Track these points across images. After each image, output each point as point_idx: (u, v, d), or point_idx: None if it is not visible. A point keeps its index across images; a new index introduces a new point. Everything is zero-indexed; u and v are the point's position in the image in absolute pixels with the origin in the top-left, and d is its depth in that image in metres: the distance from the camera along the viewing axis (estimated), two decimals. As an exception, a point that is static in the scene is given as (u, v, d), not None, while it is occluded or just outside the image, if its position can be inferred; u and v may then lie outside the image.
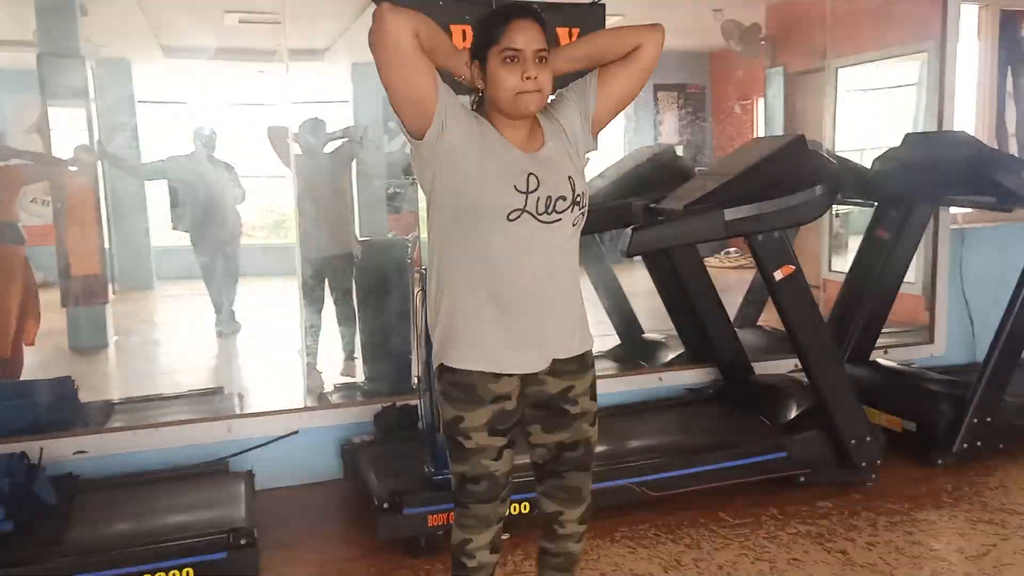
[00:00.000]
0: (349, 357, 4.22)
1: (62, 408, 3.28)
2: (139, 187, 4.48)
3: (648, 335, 4.33)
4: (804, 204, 2.99)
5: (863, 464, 3.24)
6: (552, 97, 1.91)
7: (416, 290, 2.86)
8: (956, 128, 4.24)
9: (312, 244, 3.90)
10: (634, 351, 4.25)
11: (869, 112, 5.02)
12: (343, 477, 3.35)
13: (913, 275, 4.25)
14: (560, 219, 1.82)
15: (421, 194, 1.99)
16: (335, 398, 3.87)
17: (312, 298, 3.99)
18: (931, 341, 4.38)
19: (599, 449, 3.12)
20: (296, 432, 3.38)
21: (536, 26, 1.77)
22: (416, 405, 3.21)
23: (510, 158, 1.81)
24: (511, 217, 1.77)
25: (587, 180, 1.95)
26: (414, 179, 2.23)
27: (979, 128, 4.70)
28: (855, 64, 4.76)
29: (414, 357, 3.29)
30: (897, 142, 3.86)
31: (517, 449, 1.96)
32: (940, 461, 3.45)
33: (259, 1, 3.75)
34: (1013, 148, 4.79)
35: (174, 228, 4.36)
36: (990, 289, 4.19)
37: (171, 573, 2.49)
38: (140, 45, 4.40)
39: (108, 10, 3.81)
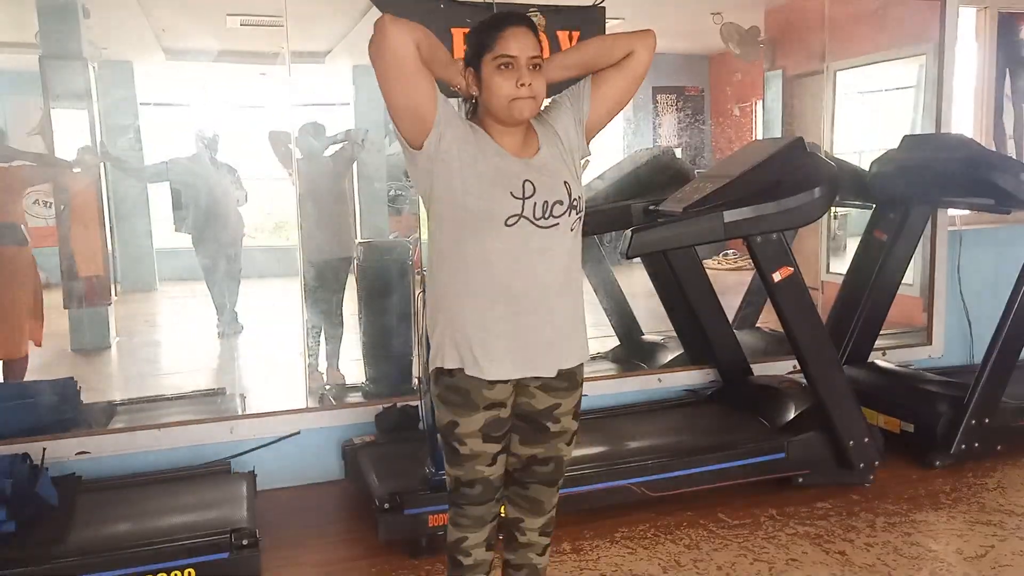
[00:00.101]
0: (334, 366, 4.21)
1: (65, 409, 3.29)
2: (141, 189, 4.49)
3: (647, 336, 4.34)
4: (803, 206, 3.01)
5: (861, 465, 3.25)
6: (546, 103, 1.93)
7: (417, 291, 2.88)
8: (954, 130, 4.25)
9: (313, 246, 3.92)
10: (633, 352, 4.26)
11: (867, 114, 5.03)
12: (344, 478, 3.36)
13: (911, 277, 4.26)
14: (558, 223, 1.84)
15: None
16: (336, 399, 3.88)
17: (313, 299, 4.00)
18: (929, 342, 4.39)
19: (599, 450, 3.14)
20: (298, 433, 3.40)
21: (530, 34, 1.79)
22: (417, 406, 3.23)
23: (506, 165, 1.82)
24: (509, 223, 1.79)
25: (587, 182, 1.97)
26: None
27: (977, 130, 4.72)
28: (853, 67, 4.77)
29: (415, 358, 3.30)
30: (895, 144, 3.88)
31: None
32: (938, 462, 3.46)
33: (261, 4, 3.76)
34: (1011, 150, 4.80)
35: (177, 230, 4.37)
36: (988, 291, 4.21)
37: (173, 574, 2.50)
38: (142, 47, 4.40)
39: (110, 13, 3.82)
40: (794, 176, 3.03)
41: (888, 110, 5.06)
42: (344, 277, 4.24)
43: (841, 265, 4.46)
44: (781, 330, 3.30)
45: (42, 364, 3.74)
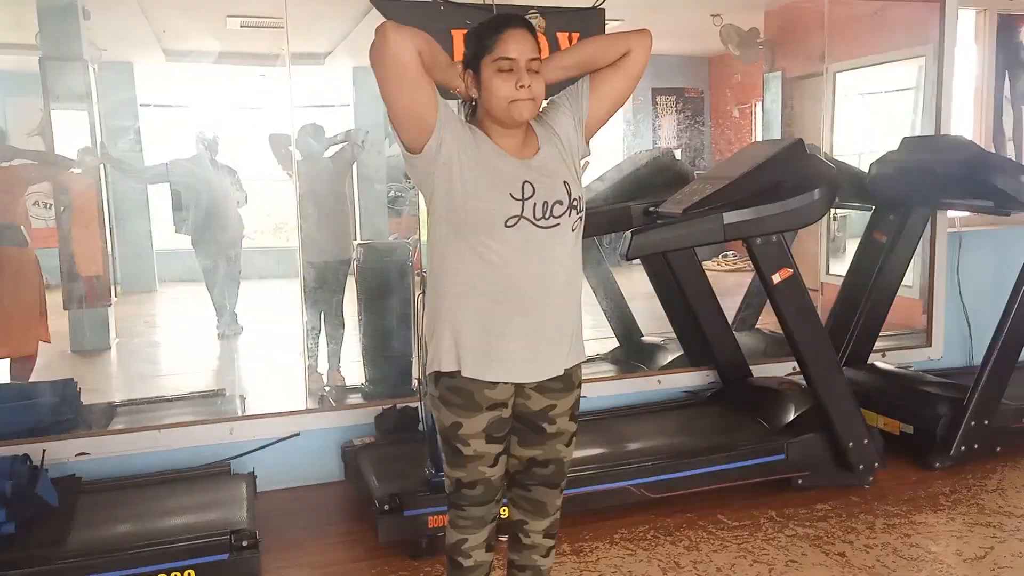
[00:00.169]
0: (335, 367, 4.21)
1: (64, 410, 3.29)
2: (141, 190, 4.49)
3: (647, 338, 4.34)
4: (802, 208, 3.02)
5: (861, 467, 3.25)
6: (544, 104, 1.94)
7: (417, 293, 2.88)
8: (953, 132, 4.26)
9: (313, 248, 3.92)
10: (633, 354, 4.27)
11: (867, 116, 5.03)
12: (344, 479, 3.36)
13: (911, 278, 4.26)
14: (558, 224, 1.84)
15: (421, 198, 2.01)
16: (336, 400, 3.88)
17: (313, 300, 4.01)
18: (928, 344, 4.40)
19: (598, 451, 3.14)
20: (297, 434, 3.40)
21: (529, 36, 1.80)
22: (416, 407, 3.23)
23: (505, 166, 1.83)
24: (509, 224, 1.79)
25: (586, 183, 1.98)
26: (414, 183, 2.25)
27: (976, 132, 4.72)
28: (853, 68, 4.77)
29: (415, 359, 3.30)
30: (895, 146, 3.88)
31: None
32: (938, 464, 3.47)
33: (261, 6, 3.76)
34: (1010, 152, 4.80)
35: (177, 231, 4.37)
36: (987, 292, 4.21)
37: (172, 575, 2.50)
38: (142, 49, 4.40)
39: (111, 14, 3.82)
40: (794, 178, 3.04)
41: (888, 112, 5.07)
42: (343, 278, 4.24)
43: (841, 267, 4.46)
44: (780, 331, 3.30)
45: (42, 365, 3.74)
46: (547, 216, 1.82)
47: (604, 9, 3.52)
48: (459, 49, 2.32)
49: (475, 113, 1.89)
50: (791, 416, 3.38)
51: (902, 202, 3.86)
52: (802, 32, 4.75)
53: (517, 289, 1.83)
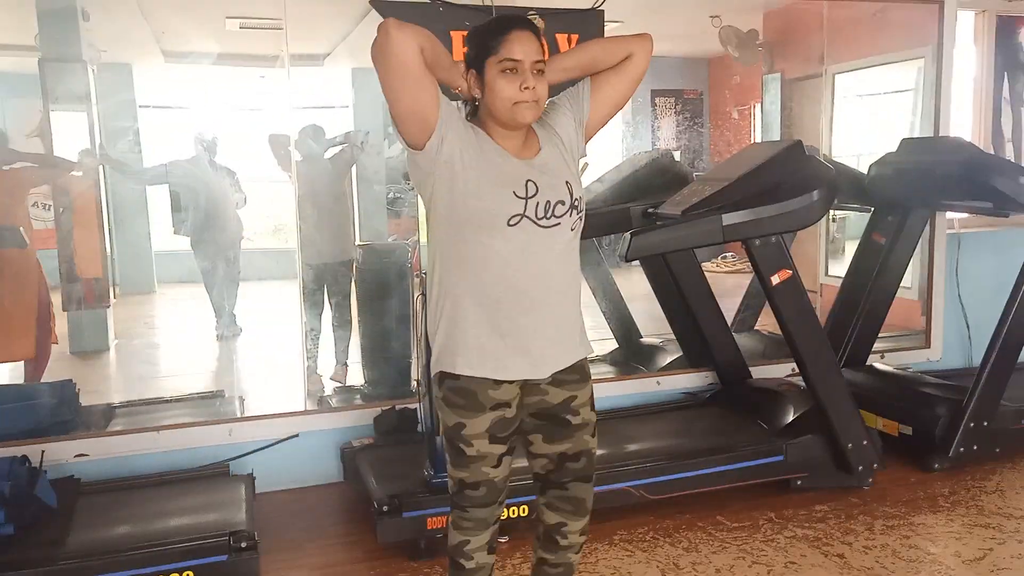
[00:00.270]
0: (341, 363, 4.23)
1: (63, 411, 3.30)
2: (140, 191, 4.49)
3: (646, 339, 4.35)
4: (801, 209, 3.02)
5: (860, 468, 3.25)
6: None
7: (416, 294, 2.88)
8: (952, 133, 4.26)
9: (312, 249, 3.92)
10: (632, 355, 4.27)
11: (866, 118, 5.04)
12: (343, 480, 3.36)
13: (909, 280, 4.27)
14: (559, 223, 1.85)
15: (420, 200, 2.01)
16: (335, 401, 3.89)
17: (312, 302, 4.01)
18: (927, 346, 4.40)
19: (598, 452, 3.13)
20: (296, 435, 3.40)
21: (534, 38, 1.81)
22: (415, 408, 3.23)
23: (508, 166, 1.83)
24: (511, 223, 1.79)
25: (585, 184, 1.98)
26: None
27: (975, 133, 4.72)
28: (852, 70, 4.78)
29: (413, 361, 3.30)
30: (894, 147, 3.89)
31: (516, 457, 1.98)
32: (937, 465, 3.47)
33: (260, 7, 3.77)
34: (1009, 153, 4.81)
35: (176, 233, 4.37)
36: (986, 294, 4.21)
37: (171, 576, 2.50)
38: (142, 50, 4.40)
39: (110, 15, 3.82)
40: (793, 179, 3.04)
41: (886, 113, 5.07)
42: (344, 279, 4.25)
43: (840, 268, 4.47)
44: (779, 333, 3.30)
45: (41, 366, 3.74)
46: (548, 216, 1.83)
47: (603, 11, 3.52)
48: (458, 51, 2.32)
49: (475, 113, 1.89)
50: (790, 417, 3.38)
51: (901, 203, 3.86)
52: (801, 34, 4.76)
53: (518, 289, 1.83)
